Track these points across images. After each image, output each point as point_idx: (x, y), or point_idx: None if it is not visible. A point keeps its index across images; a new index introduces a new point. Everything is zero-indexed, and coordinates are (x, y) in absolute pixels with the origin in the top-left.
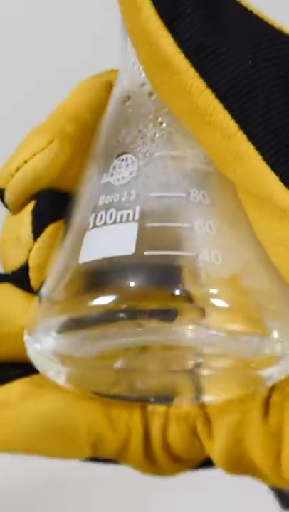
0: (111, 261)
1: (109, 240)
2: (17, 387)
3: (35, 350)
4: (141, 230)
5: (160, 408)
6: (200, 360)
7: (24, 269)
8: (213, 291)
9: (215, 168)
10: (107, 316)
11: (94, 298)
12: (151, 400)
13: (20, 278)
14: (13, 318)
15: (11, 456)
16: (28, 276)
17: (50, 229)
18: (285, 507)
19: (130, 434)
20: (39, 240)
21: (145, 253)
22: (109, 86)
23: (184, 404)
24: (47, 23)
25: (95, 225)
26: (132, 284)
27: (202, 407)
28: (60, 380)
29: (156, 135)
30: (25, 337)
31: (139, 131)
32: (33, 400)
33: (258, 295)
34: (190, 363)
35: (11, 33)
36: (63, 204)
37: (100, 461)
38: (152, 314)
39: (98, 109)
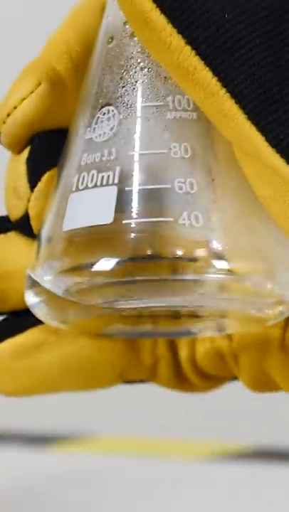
0: (91, 230)
1: (89, 206)
2: (33, 335)
3: (34, 297)
4: (120, 194)
5: (186, 339)
6: (207, 308)
7: (25, 219)
8: (198, 251)
9: (199, 115)
10: (105, 283)
11: (91, 258)
12: (172, 334)
13: (24, 227)
14: (22, 268)
15: (10, 456)
16: (30, 225)
17: (46, 177)
18: None
19: (157, 361)
20: (36, 189)
21: (123, 221)
22: (104, 10)
23: (207, 335)
24: (47, 24)
25: (77, 188)
26: (113, 256)
27: (228, 337)
28: (66, 326)
29: (138, 82)
30: (25, 283)
31: (121, 78)
32: (50, 346)
33: (251, 251)
34: (200, 310)
35: (10, 33)
36: (59, 144)
37: (131, 383)
38: (154, 262)
39: (90, 40)
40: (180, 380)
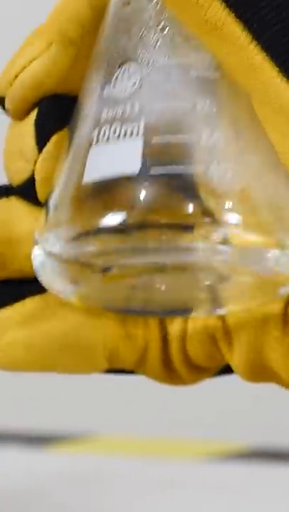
0: (117, 180)
1: (113, 157)
2: (29, 305)
3: (41, 262)
4: (146, 146)
5: (178, 320)
6: (215, 279)
7: (30, 182)
8: (225, 205)
9: (222, 73)
10: (117, 232)
11: (102, 216)
12: (168, 313)
13: (27, 192)
14: (23, 233)
15: (10, 456)
16: (34, 189)
17: (54, 139)
18: None
19: (148, 346)
20: (44, 151)
21: (152, 170)
22: None
23: (201, 316)
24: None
25: (98, 141)
26: (139, 201)
27: (221, 318)
28: (68, 296)
29: (159, 42)
30: (33, 249)
31: (141, 38)
32: (47, 318)
33: (272, 207)
34: (205, 282)
35: (10, 33)
36: (68, 110)
37: (116, 373)
38: (163, 229)
39: (101, 4)
40: (167, 370)
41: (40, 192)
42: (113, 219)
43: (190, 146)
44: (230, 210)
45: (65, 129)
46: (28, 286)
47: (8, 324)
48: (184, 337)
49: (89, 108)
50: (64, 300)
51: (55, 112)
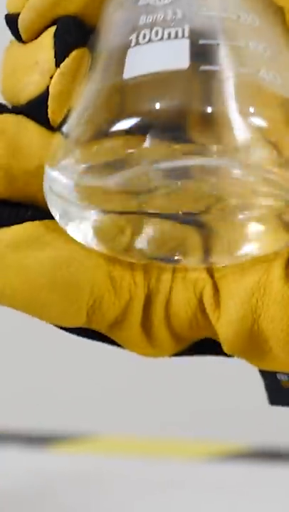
0: (161, 75)
1: (158, 54)
2: (28, 229)
3: (51, 187)
4: (193, 47)
5: (165, 275)
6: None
7: (43, 98)
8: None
9: None
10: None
11: (133, 114)
12: (158, 259)
13: (37, 109)
14: (31, 153)
15: (10, 456)
16: (45, 106)
17: (74, 54)
18: (274, 401)
19: (131, 301)
20: (62, 65)
21: (201, 67)
22: None
23: (191, 264)
24: None
25: (138, 43)
26: (175, 101)
27: (211, 275)
28: (69, 225)
29: None
30: (46, 171)
31: None
32: (42, 245)
33: None
34: (211, 206)
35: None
36: (86, 35)
37: (91, 337)
38: (181, 138)
39: None
40: (144, 333)
41: (52, 108)
42: (130, 121)
43: (238, 51)
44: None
45: (85, 48)
46: (28, 210)
47: (4, 243)
48: (169, 295)
49: (120, 19)
50: (62, 231)
51: (75, 29)
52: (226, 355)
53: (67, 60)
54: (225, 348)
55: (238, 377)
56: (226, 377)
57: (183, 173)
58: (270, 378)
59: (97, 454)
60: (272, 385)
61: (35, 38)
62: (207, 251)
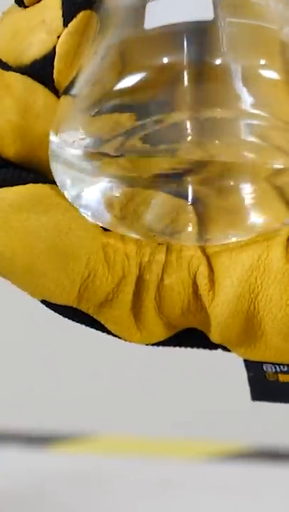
0: (183, 27)
1: (182, 5)
2: (31, 190)
3: (55, 154)
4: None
5: (159, 255)
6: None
7: (49, 57)
8: None
9: None
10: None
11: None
12: (156, 232)
13: (43, 69)
14: (38, 113)
15: (10, 456)
16: (51, 67)
17: (82, 15)
18: (257, 396)
19: (124, 278)
20: (70, 25)
21: (227, 19)
22: None
23: (187, 240)
24: None
25: None
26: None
27: (206, 255)
28: (71, 193)
29: None
30: (51, 137)
31: None
32: (45, 208)
33: None
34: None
35: None
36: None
37: (79, 319)
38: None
39: None
40: (133, 314)
41: (58, 69)
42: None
43: (260, 8)
44: None
45: (92, 11)
46: (31, 174)
47: (7, 202)
48: (161, 279)
49: None
50: (63, 197)
51: None
52: (211, 347)
53: (75, 20)
54: (215, 334)
55: (238, 377)
56: (226, 377)
57: (184, 131)
58: (255, 370)
59: (97, 454)
60: (257, 377)
61: (38, 1)
62: (204, 228)
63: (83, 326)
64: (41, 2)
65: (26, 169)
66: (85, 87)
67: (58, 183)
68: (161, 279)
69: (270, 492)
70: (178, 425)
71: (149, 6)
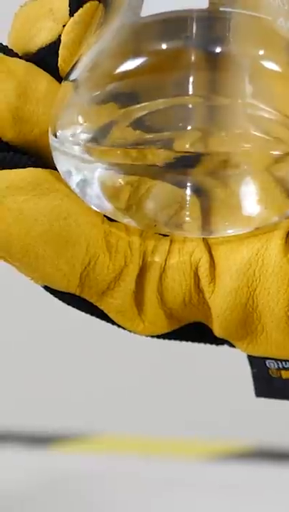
0: (176, 15)
1: None
2: (30, 173)
3: (57, 140)
4: None
5: (162, 246)
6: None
7: (54, 46)
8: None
9: None
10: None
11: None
12: (159, 222)
13: (48, 57)
14: (39, 98)
15: (10, 456)
16: (56, 55)
17: (88, 5)
18: (261, 392)
19: (126, 267)
20: (76, 14)
21: (221, 8)
22: None
23: (190, 231)
24: None
25: None
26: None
27: (208, 247)
28: (73, 180)
29: None
30: (51, 124)
31: None
32: (43, 192)
33: None
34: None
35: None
36: None
37: (81, 307)
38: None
39: None
40: (136, 306)
41: (63, 56)
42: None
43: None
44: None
45: (98, 2)
46: (32, 158)
47: (5, 184)
48: (164, 270)
49: None
50: (64, 182)
51: None
52: (217, 342)
53: (81, 10)
54: (216, 327)
55: (238, 377)
56: (226, 377)
57: (186, 119)
58: (258, 366)
59: (97, 454)
60: (260, 374)
61: None
62: (207, 219)
63: (84, 327)
64: None
65: (27, 154)
66: (84, 73)
67: (60, 172)
68: (164, 270)
69: (271, 492)
70: (178, 425)
71: None
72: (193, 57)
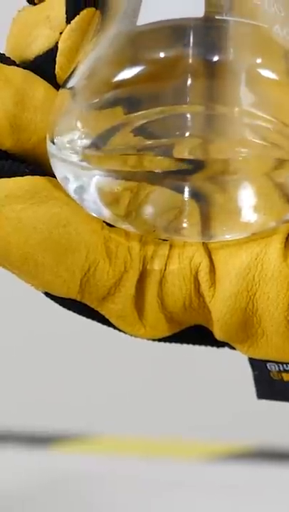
0: (174, 23)
1: (174, 2)
2: (29, 181)
3: (55, 147)
4: None
5: (162, 251)
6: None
7: (51, 53)
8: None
9: None
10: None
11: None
12: (158, 228)
13: (45, 64)
14: (37, 106)
15: (10, 456)
16: (53, 62)
17: (85, 13)
18: (263, 395)
19: (126, 273)
20: (73, 21)
21: (217, 16)
22: None
23: (190, 236)
24: None
25: None
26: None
27: (208, 252)
28: (72, 187)
29: None
30: (49, 131)
31: None
32: (42, 200)
33: None
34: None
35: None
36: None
37: (81, 311)
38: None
39: None
40: (137, 311)
41: (60, 64)
42: (132, 70)
43: (252, 7)
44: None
45: (95, 10)
46: (30, 166)
47: (3, 195)
48: (164, 275)
49: None
50: (62, 190)
51: None
52: (217, 344)
53: (77, 17)
54: (217, 330)
55: (238, 377)
56: (226, 377)
57: (183, 125)
58: (259, 369)
59: (97, 454)
60: (262, 376)
61: None
62: (206, 224)
63: (84, 327)
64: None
65: (25, 162)
66: (82, 80)
67: (58, 178)
68: (164, 275)
69: (271, 492)
70: (178, 425)
71: (144, 2)
72: (190, 66)
